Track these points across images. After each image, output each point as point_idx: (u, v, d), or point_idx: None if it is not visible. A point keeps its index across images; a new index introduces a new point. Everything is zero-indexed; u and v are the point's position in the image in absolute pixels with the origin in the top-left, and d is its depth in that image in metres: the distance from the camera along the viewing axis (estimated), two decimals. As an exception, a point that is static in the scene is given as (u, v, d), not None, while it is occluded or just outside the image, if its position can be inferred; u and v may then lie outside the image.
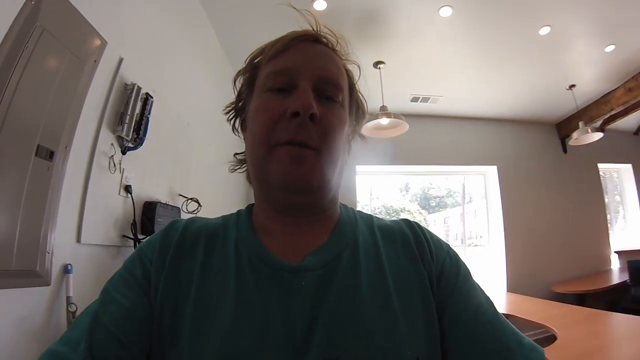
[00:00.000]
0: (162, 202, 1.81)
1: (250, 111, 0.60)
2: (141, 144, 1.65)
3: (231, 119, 0.69)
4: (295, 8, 0.61)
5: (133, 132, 1.60)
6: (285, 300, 0.49)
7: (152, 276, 0.52)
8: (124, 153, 1.59)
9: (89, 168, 1.40)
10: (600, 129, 5.63)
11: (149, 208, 1.71)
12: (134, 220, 1.62)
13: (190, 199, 2.13)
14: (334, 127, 0.55)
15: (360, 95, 0.68)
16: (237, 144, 0.71)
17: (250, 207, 0.65)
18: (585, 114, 5.08)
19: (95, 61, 1.44)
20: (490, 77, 4.29)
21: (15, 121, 1.08)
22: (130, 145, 1.61)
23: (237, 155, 0.70)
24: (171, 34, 2.15)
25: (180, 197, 2.10)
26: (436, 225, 8.52)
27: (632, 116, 5.39)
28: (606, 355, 2.05)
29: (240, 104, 0.67)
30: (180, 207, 2.01)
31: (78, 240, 1.32)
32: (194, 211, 2.15)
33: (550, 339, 2.40)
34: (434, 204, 8.04)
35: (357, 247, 0.58)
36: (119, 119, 1.55)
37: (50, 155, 1.22)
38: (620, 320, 2.72)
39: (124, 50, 1.62)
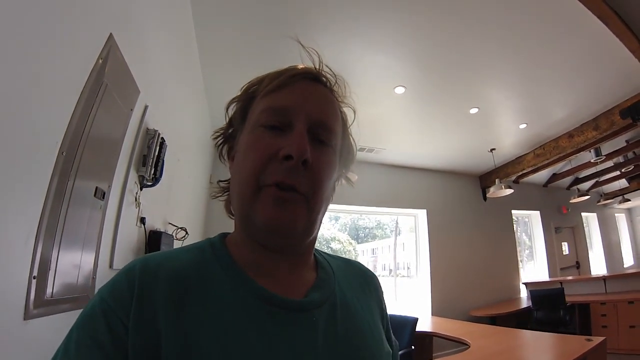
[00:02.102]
0: (162, 231, 2.03)
1: (240, 144, 0.58)
2: (158, 183, 1.88)
3: (219, 145, 0.67)
4: (301, 44, 0.60)
5: (152, 172, 1.83)
6: (306, 337, 0.50)
7: (129, 342, 0.43)
8: (141, 189, 1.81)
9: (120, 204, 1.60)
10: (515, 182, 6.70)
11: (155, 237, 1.94)
12: (146, 247, 1.84)
13: (180, 227, 2.36)
14: (324, 174, 0.54)
15: (351, 139, 0.68)
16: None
17: (222, 237, 0.61)
18: (502, 171, 6.20)
19: (131, 109, 1.61)
20: (429, 138, 5.15)
21: (85, 167, 1.22)
22: (149, 183, 1.84)
23: (220, 183, 0.67)
24: (173, 82, 2.35)
25: (170, 225, 2.31)
26: (365, 255, 8.86)
27: (542, 172, 6.54)
28: (506, 356, 2.73)
29: (230, 131, 0.65)
30: (171, 234, 2.22)
31: (110, 266, 1.53)
32: (182, 238, 2.37)
33: (466, 348, 3.13)
34: (363, 235, 8.14)
35: (341, 285, 0.62)
36: (143, 161, 1.79)
37: (103, 195, 1.42)
38: (520, 334, 3.52)
39: (148, 99, 1.79)
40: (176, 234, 2.33)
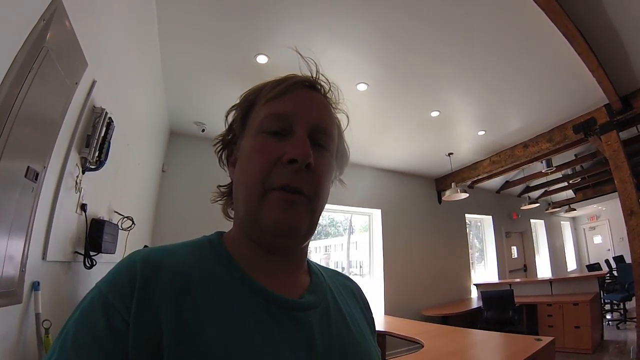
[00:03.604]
0: (106, 219, 1.86)
1: (243, 150, 0.60)
2: (102, 166, 1.72)
3: (219, 151, 0.68)
4: (300, 55, 0.63)
5: (96, 154, 1.66)
6: (303, 336, 0.52)
7: (130, 337, 0.42)
8: (83, 173, 1.64)
9: (57, 188, 1.43)
10: (470, 186, 6.89)
11: (97, 226, 1.76)
12: (86, 237, 1.67)
13: (126, 217, 2.18)
14: (325, 177, 0.58)
15: (345, 143, 0.71)
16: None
17: (219, 236, 0.62)
18: (458, 175, 6.41)
19: (76, 83, 1.44)
20: (388, 138, 5.18)
21: (14, 143, 1.07)
22: (92, 166, 1.67)
23: (220, 188, 0.69)
24: (127, 58, 2.17)
25: (116, 214, 2.13)
26: (318, 252, 8.89)
27: (496, 179, 6.78)
28: (460, 356, 2.79)
29: (230, 137, 0.67)
30: (117, 223, 2.04)
31: (44, 258, 1.35)
32: (128, 228, 2.20)
33: (419, 347, 3.16)
34: (316, 232, 8.25)
35: (332, 291, 0.65)
36: (87, 141, 1.61)
37: (36, 176, 1.24)
38: (472, 334, 3.62)
39: (97, 73, 1.63)
40: (122, 223, 2.15)
